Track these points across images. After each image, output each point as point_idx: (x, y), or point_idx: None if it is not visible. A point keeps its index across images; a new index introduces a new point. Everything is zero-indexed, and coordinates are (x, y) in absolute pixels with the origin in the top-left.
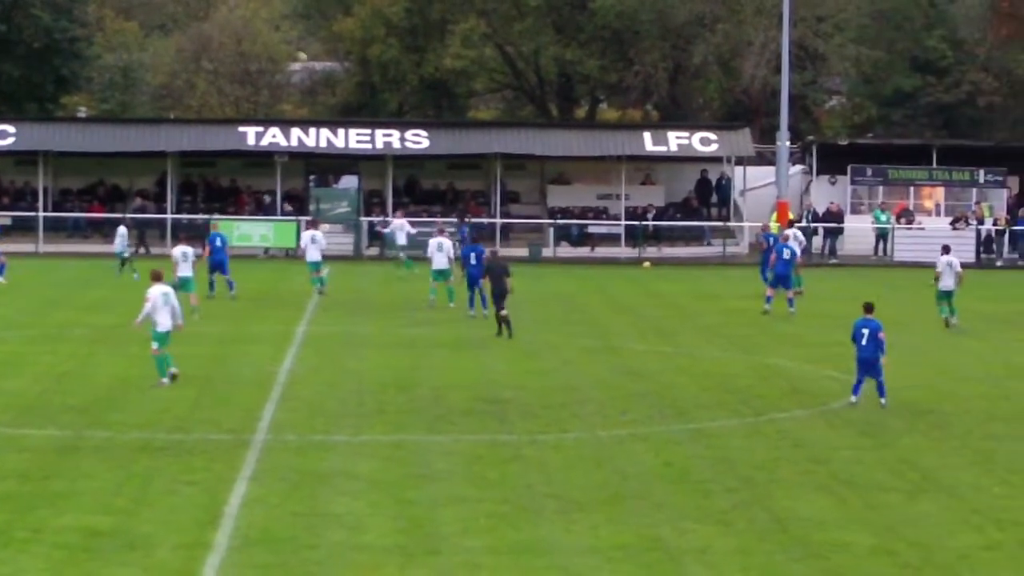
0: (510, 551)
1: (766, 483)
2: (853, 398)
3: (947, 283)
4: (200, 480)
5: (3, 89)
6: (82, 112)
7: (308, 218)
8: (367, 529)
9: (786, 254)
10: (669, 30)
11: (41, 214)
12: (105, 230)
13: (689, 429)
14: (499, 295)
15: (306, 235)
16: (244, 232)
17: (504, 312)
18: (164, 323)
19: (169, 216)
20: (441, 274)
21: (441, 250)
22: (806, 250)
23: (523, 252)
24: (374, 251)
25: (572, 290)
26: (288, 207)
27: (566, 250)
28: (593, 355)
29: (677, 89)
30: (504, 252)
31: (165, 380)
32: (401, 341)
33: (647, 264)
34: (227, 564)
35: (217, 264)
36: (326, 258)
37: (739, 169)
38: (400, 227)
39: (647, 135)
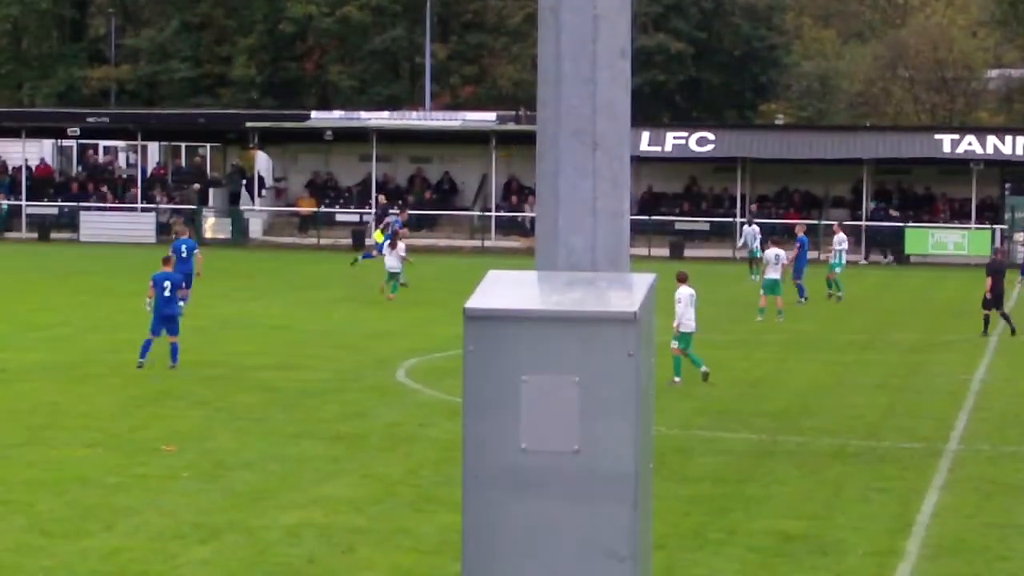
0: None
1: None
2: None
3: None
4: (891, 488)
5: (704, 96)
6: (779, 119)
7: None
8: None
9: None
10: None
11: (738, 220)
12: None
13: None
14: (997, 295)
15: (769, 253)
16: (939, 240)
17: (1004, 311)
18: (688, 324)
19: (863, 223)
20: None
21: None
22: None
23: None
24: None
25: None
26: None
27: None
28: None
29: None
30: None
31: (678, 379)
32: None
33: None
34: (918, 573)
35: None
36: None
37: None
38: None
39: None
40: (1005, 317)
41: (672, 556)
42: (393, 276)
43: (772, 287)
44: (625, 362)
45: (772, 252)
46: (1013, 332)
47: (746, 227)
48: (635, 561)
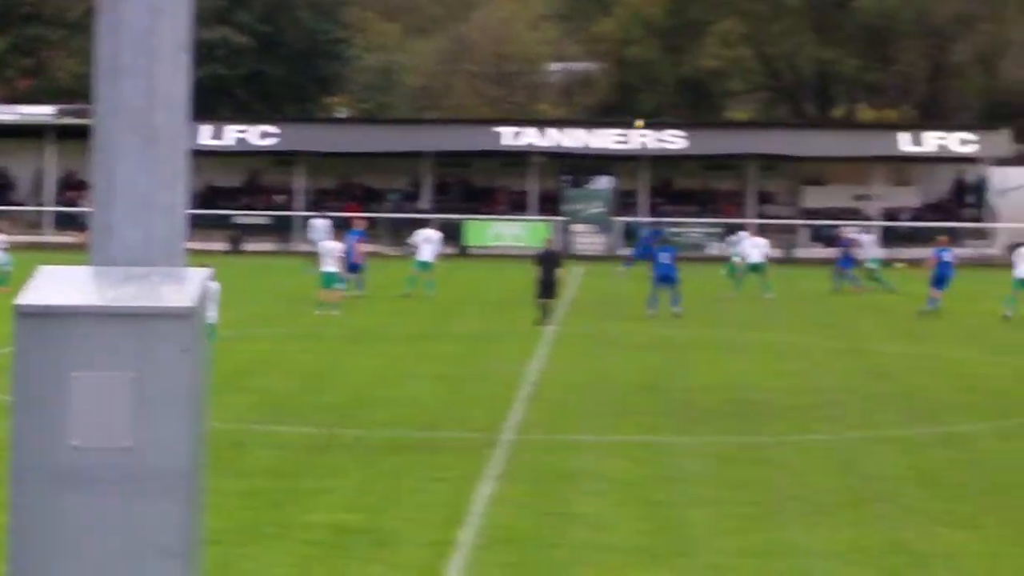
0: (756, 554)
1: (1020, 487)
2: None
3: None
4: (448, 478)
5: (266, 90)
6: (341, 113)
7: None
8: (613, 529)
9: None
10: (929, 29)
11: (300, 214)
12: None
13: (938, 432)
14: (548, 284)
15: (323, 246)
16: (497, 232)
17: (550, 300)
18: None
19: (428, 215)
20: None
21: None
22: None
23: (777, 253)
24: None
25: (824, 290)
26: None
27: (822, 251)
28: (842, 356)
29: (936, 89)
30: None
31: None
32: (653, 342)
33: (900, 265)
34: (471, 562)
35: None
36: (582, 257)
37: (998, 170)
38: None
39: (904, 135)
40: (544, 307)
41: (226, 551)
42: None
43: (328, 280)
44: (180, 357)
45: (327, 245)
46: (542, 323)
47: (315, 221)
48: (186, 557)
